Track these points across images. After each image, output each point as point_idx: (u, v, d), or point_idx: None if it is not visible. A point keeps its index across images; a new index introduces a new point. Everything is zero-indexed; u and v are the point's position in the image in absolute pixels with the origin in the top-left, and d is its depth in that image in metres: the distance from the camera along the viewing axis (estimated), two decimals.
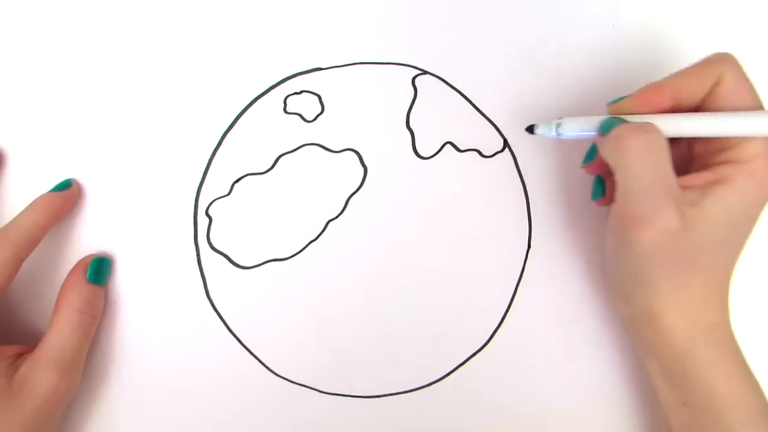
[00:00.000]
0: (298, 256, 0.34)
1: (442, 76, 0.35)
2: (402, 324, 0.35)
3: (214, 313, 0.33)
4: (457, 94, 0.35)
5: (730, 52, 0.29)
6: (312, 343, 0.34)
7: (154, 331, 0.33)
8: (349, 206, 0.35)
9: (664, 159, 0.27)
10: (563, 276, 0.35)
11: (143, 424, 0.33)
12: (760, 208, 0.28)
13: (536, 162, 0.36)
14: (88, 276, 0.31)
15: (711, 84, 0.28)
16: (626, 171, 0.27)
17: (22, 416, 0.28)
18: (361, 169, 0.35)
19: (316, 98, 0.35)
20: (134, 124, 0.33)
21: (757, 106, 0.28)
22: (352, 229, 0.34)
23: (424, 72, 0.35)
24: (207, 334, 0.33)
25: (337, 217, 0.34)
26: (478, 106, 0.35)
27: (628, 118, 0.29)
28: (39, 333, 0.32)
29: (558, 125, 0.31)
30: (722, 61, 0.28)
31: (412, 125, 0.35)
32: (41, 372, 0.29)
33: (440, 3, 0.35)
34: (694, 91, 0.28)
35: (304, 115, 0.35)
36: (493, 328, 0.35)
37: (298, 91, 0.35)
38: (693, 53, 0.36)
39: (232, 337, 0.34)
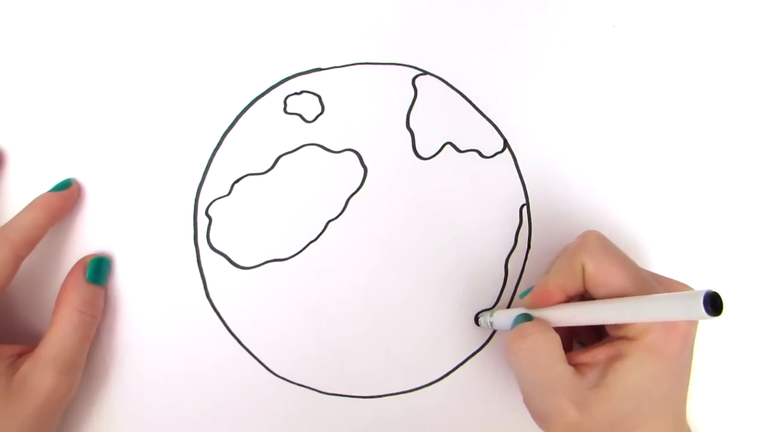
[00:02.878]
0: (298, 256, 0.34)
1: (442, 77, 0.35)
2: (402, 324, 0.35)
3: (214, 314, 0.33)
4: (457, 95, 0.35)
5: (593, 230, 0.30)
6: (312, 343, 0.34)
7: (154, 331, 0.33)
8: (349, 206, 0.35)
9: (551, 358, 0.28)
10: None
11: (143, 424, 0.33)
12: (673, 368, 0.28)
13: (536, 162, 0.36)
14: (87, 276, 0.31)
15: (580, 275, 0.29)
16: (518, 376, 0.30)
17: (22, 416, 0.28)
18: (361, 170, 0.35)
19: (316, 98, 0.35)
20: (134, 124, 0.33)
21: (627, 285, 0.28)
22: (352, 229, 0.34)
23: (424, 72, 0.35)
24: (207, 334, 0.33)
25: (337, 217, 0.34)
26: (478, 106, 0.35)
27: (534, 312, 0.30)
28: (39, 333, 0.32)
29: (491, 322, 0.33)
30: (580, 250, 0.29)
31: (412, 125, 0.35)
32: (41, 372, 0.29)
33: (440, 3, 0.35)
34: (573, 284, 0.29)
35: (304, 116, 0.35)
36: (493, 328, 0.35)
37: (298, 91, 0.35)
38: (692, 53, 0.37)
39: (232, 337, 0.34)
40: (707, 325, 0.35)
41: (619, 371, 0.28)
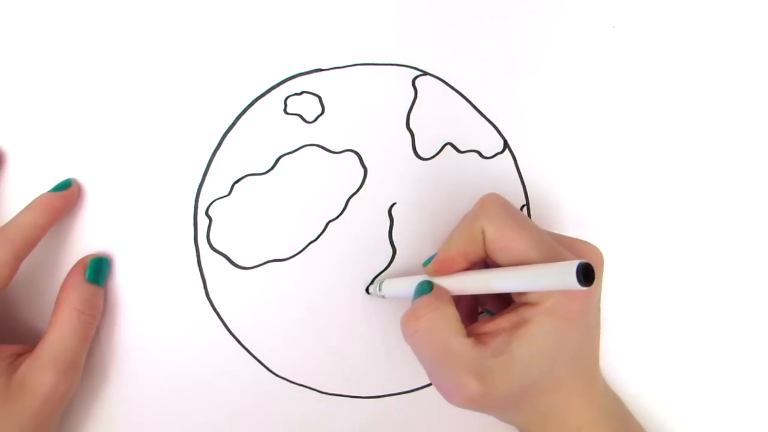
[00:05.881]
0: (298, 256, 0.34)
1: (442, 77, 0.35)
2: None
3: (214, 314, 0.33)
4: (458, 95, 0.35)
5: (493, 192, 0.29)
6: (312, 343, 0.34)
7: (154, 331, 0.33)
8: (349, 207, 0.35)
9: (448, 335, 0.27)
10: None
11: (143, 424, 0.33)
12: (578, 330, 0.28)
13: (536, 162, 0.36)
14: (87, 276, 0.31)
15: (481, 241, 0.28)
16: (418, 355, 0.29)
17: (21, 416, 0.28)
18: (361, 170, 0.35)
19: (317, 99, 0.35)
20: (134, 124, 0.33)
21: (528, 249, 0.27)
22: (352, 229, 0.34)
23: (425, 73, 0.35)
24: (207, 334, 0.33)
25: (337, 217, 0.34)
26: (478, 106, 0.35)
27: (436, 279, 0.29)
28: (39, 333, 0.32)
29: (382, 295, 0.33)
30: (479, 215, 0.28)
31: (412, 126, 0.35)
32: (40, 372, 0.29)
33: (440, 4, 0.35)
34: (474, 250, 0.28)
35: (304, 116, 0.35)
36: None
37: (298, 91, 0.35)
38: (692, 53, 0.37)
39: (232, 337, 0.34)
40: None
41: (522, 337, 0.27)
